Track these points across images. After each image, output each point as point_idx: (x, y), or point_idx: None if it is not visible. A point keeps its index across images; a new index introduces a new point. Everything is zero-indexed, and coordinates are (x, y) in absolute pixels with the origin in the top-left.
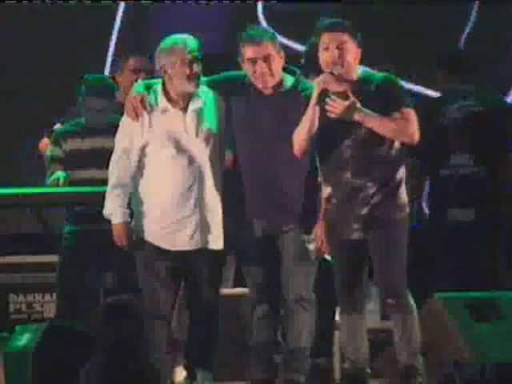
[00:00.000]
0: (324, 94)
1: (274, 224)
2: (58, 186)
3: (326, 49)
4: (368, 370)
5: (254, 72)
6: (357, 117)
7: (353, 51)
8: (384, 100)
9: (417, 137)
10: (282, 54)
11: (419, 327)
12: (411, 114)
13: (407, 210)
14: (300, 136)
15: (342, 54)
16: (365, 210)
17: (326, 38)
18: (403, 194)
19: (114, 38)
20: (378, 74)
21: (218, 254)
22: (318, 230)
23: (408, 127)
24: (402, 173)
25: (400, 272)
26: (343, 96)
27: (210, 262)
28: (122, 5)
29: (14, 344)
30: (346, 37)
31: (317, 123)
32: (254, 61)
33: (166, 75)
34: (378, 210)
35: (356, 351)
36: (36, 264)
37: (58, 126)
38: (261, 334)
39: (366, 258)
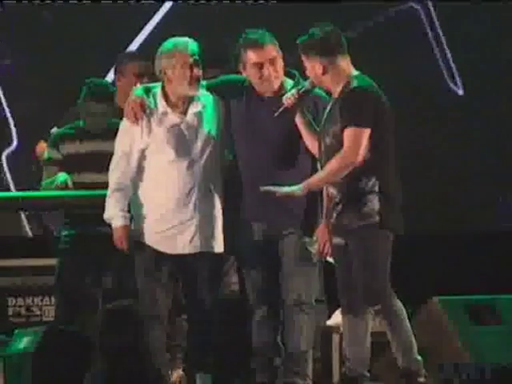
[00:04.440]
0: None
1: (274, 226)
2: (65, 188)
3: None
4: (366, 373)
5: (261, 76)
6: (299, 193)
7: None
8: (341, 112)
9: (357, 160)
10: (281, 54)
11: (418, 329)
12: (355, 135)
13: (375, 218)
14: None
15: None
16: (333, 218)
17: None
18: (370, 203)
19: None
20: (355, 82)
21: (217, 257)
22: (320, 232)
23: (341, 161)
24: (368, 183)
25: (373, 279)
26: (335, 102)
27: (209, 266)
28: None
29: (13, 347)
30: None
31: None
32: (260, 65)
33: (166, 78)
34: (341, 218)
35: (356, 354)
36: (35, 267)
37: (55, 130)
38: (260, 337)
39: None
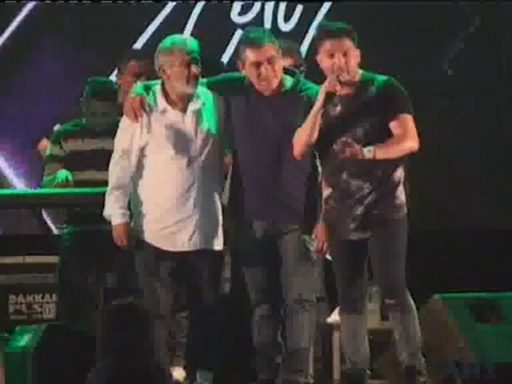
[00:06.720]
0: (329, 97)
1: (274, 224)
2: (66, 185)
3: (331, 55)
4: (368, 371)
5: (259, 75)
6: (368, 155)
7: (355, 56)
8: (383, 104)
9: (415, 146)
10: (281, 53)
11: (419, 327)
12: (409, 121)
13: (405, 210)
14: (302, 139)
15: (348, 61)
16: (360, 210)
17: (330, 45)
18: (401, 195)
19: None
20: (379, 77)
21: (217, 254)
22: (319, 231)
23: (406, 141)
24: (399, 173)
25: (398, 272)
26: (347, 98)
27: (209, 263)
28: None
29: (14, 344)
30: (349, 42)
31: (318, 126)
32: (258, 64)
33: (165, 76)
34: (374, 209)
35: (356, 351)
36: (36, 265)
37: (57, 127)
38: (261, 335)
39: (365, 258)
